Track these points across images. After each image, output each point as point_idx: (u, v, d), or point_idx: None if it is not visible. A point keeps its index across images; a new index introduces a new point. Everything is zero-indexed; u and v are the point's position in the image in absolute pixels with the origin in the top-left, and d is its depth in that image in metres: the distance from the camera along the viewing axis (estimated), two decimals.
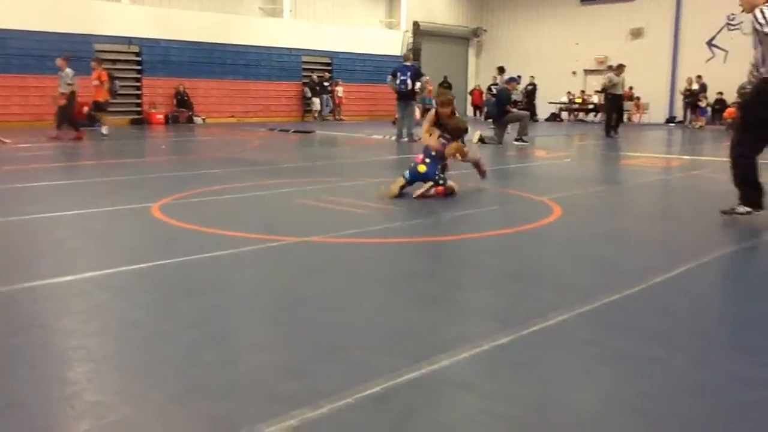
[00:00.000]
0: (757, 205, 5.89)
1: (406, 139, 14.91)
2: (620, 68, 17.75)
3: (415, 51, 27.00)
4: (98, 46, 19.62)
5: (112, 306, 3.50)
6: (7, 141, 12.78)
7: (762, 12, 5.56)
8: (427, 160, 7.13)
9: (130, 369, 2.71)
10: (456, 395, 2.49)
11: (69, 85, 13.87)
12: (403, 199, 6.87)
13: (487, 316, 3.41)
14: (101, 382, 2.55)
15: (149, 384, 2.55)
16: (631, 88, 24.57)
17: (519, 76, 21.41)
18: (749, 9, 5.75)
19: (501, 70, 21.87)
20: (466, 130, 7.69)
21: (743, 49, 23.25)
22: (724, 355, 2.91)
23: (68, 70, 13.96)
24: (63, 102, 13.93)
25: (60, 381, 2.56)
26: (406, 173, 7.10)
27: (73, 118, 14.34)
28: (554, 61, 28.70)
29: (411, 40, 27.57)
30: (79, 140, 13.80)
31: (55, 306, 3.51)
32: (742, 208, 5.94)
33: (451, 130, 7.39)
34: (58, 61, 14.07)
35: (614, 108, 17.84)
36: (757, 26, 5.58)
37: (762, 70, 5.62)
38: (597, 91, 26.78)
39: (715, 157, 13.09)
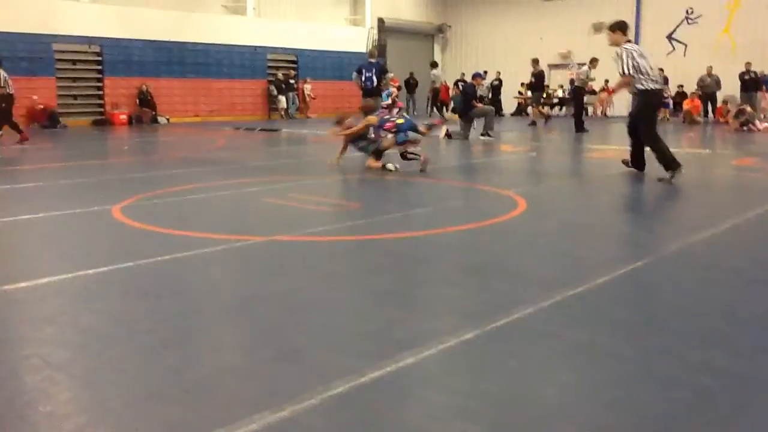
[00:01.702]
0: (678, 164, 7.94)
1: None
2: (594, 62, 18.01)
3: (381, 48, 26.96)
4: (57, 47, 19.21)
5: (68, 312, 3.40)
6: None
7: (622, 53, 7.96)
8: (399, 120, 9.09)
9: (85, 377, 2.63)
10: (421, 393, 2.46)
11: (1, 87, 13.28)
12: (368, 195, 6.83)
13: (452, 312, 3.39)
14: (54, 391, 2.47)
15: (105, 392, 2.48)
16: (606, 81, 24.95)
17: (485, 72, 21.53)
18: (614, 44, 8.24)
19: (434, 64, 22.04)
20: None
21: (702, 42, 23.76)
22: (684, 345, 2.93)
23: (1, 71, 13.42)
24: None
25: (12, 391, 2.47)
26: (401, 137, 8.90)
27: (10, 121, 13.65)
28: (519, 56, 28.80)
29: (376, 36, 27.51)
30: (24, 142, 13.25)
31: (9, 313, 3.40)
32: (672, 173, 7.87)
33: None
34: None
35: (582, 102, 18.12)
36: (618, 64, 8.00)
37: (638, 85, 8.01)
38: (560, 85, 27.06)
39: (677, 149, 13.28)
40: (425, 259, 4.53)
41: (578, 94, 18.05)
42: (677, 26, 25.21)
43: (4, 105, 13.35)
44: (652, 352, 2.84)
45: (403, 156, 9.15)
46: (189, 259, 4.37)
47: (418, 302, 3.62)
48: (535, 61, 20.62)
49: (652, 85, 8.10)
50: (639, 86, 8.01)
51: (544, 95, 26.50)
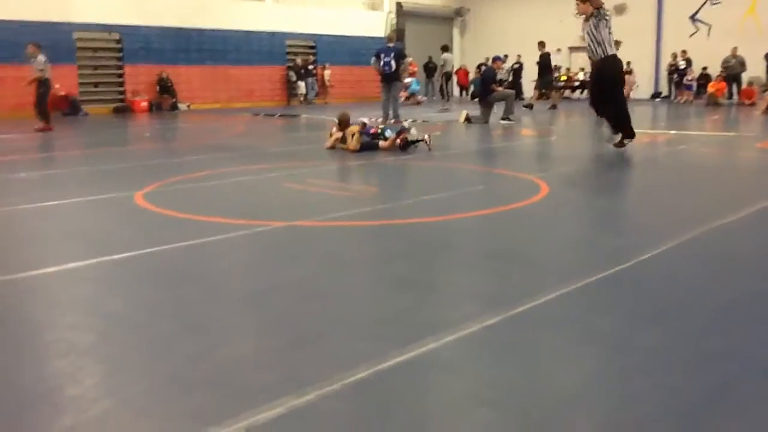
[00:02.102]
0: (634, 134, 8.81)
1: (392, 121, 14.82)
2: (617, 44, 17.52)
3: (399, 32, 26.80)
4: (78, 35, 19.34)
5: (92, 297, 3.45)
6: None
7: (609, 18, 8.49)
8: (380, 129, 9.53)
9: (110, 361, 2.67)
10: (442, 379, 2.47)
11: (40, 71, 13.48)
12: (387, 180, 6.83)
13: (473, 297, 3.38)
14: (80, 376, 2.51)
15: (129, 377, 2.51)
16: (629, 63, 24.61)
17: (505, 56, 21.31)
18: (584, 13, 8.59)
19: (445, 48, 21.80)
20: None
21: (726, 23, 23.32)
22: (703, 332, 2.90)
23: (40, 57, 13.61)
24: (33, 89, 13.53)
25: (38, 376, 2.52)
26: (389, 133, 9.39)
27: (44, 108, 13.87)
28: (538, 39, 28.57)
29: (394, 21, 27.36)
30: (47, 131, 13.41)
31: (34, 298, 3.46)
32: (627, 140, 8.74)
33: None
34: (29, 48, 13.67)
35: None
36: (592, 34, 8.47)
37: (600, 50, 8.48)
38: (581, 68, 26.72)
39: (701, 131, 13.12)
40: (445, 244, 4.52)
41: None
42: (701, 6, 24.75)
43: (42, 90, 13.52)
44: (673, 339, 2.81)
45: (404, 147, 9.33)
46: (210, 245, 4.41)
47: (439, 288, 3.62)
48: (541, 44, 20.33)
49: (615, 50, 8.77)
50: (611, 51, 8.53)
51: (560, 78, 26.27)
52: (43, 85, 13.54)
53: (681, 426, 2.15)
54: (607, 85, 8.68)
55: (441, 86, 22.62)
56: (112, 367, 2.62)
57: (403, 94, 21.94)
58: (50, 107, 16.71)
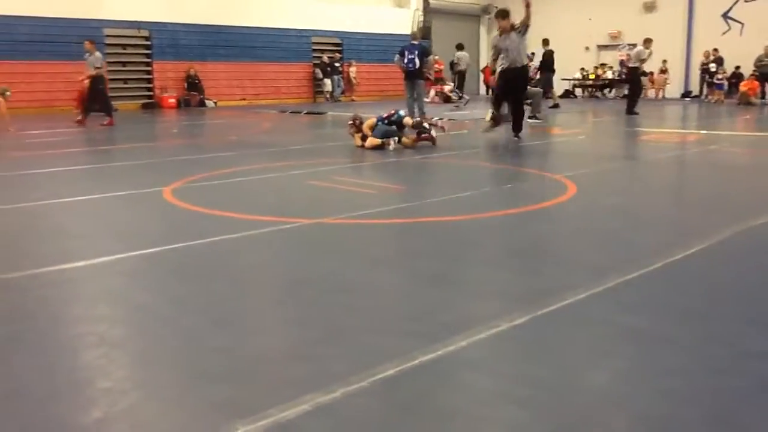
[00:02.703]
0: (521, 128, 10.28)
1: (418, 118, 14.76)
2: (648, 42, 17.13)
3: (426, 29, 26.71)
4: (107, 31, 19.57)
5: (122, 291, 3.48)
6: (10, 129, 12.73)
7: (514, 35, 9.86)
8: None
9: (140, 354, 2.68)
10: (471, 377, 2.44)
11: (97, 68, 13.84)
12: (413, 178, 6.79)
13: (502, 295, 3.35)
14: (111, 368, 2.53)
15: (159, 370, 2.52)
16: (664, 61, 24.25)
17: (533, 53, 21.14)
18: (504, 31, 9.92)
19: (459, 47, 21.54)
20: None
21: (760, 21, 22.89)
22: (740, 332, 2.84)
23: (97, 54, 13.94)
24: (87, 86, 13.96)
25: (70, 368, 2.54)
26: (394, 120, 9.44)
27: (106, 103, 14.25)
28: (567, 37, 28.28)
29: (421, 18, 27.28)
30: (110, 125, 13.77)
31: (64, 292, 3.49)
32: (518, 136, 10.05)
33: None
34: (86, 45, 14.02)
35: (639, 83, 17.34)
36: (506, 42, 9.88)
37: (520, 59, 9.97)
38: (610, 67, 26.43)
39: (733, 132, 12.90)
40: (473, 242, 4.49)
41: (635, 74, 17.03)
42: (733, 4, 24.33)
43: (100, 86, 13.84)
44: (708, 339, 2.76)
45: (419, 135, 9.67)
46: (238, 241, 4.42)
47: (467, 285, 3.59)
48: (545, 42, 19.96)
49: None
50: (525, 61, 10.29)
51: (590, 76, 25.97)
52: (100, 81, 13.85)
53: (716, 427, 2.10)
54: (520, 87, 10.22)
55: (454, 85, 22.41)
56: (141, 360, 2.63)
57: (435, 89, 21.89)
58: (81, 103, 17.16)
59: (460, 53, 21.48)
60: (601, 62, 27.73)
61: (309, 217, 5.05)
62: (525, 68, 10.17)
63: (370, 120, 9.62)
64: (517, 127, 10.42)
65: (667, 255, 3.93)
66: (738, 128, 13.95)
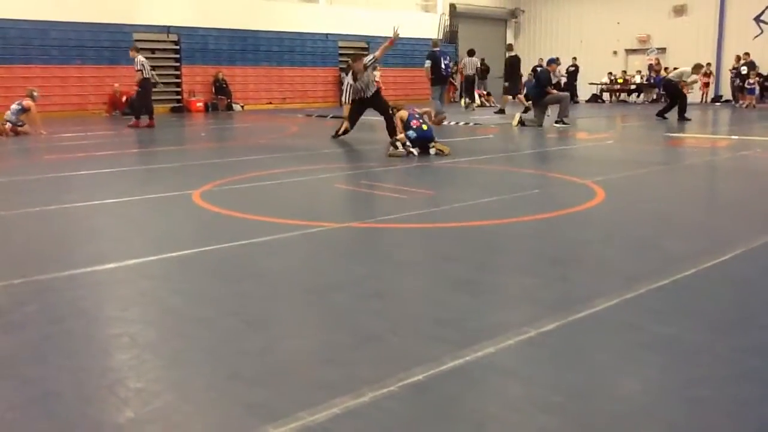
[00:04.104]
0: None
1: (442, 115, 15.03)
2: (698, 68, 16.67)
3: (452, 33, 26.69)
4: (138, 36, 19.84)
5: (153, 293, 3.52)
6: (43, 132, 12.97)
7: (368, 73, 11.06)
8: (424, 126, 9.32)
9: (170, 356, 2.72)
10: (500, 383, 2.44)
11: (138, 71, 14.21)
12: (441, 183, 6.77)
13: (531, 302, 3.33)
14: (143, 369, 2.56)
15: (191, 371, 2.55)
16: (708, 64, 23.77)
17: (557, 58, 20.96)
18: (359, 71, 10.90)
19: (470, 52, 21.37)
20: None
21: None
22: None
23: (139, 57, 14.30)
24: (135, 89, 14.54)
25: (103, 369, 2.58)
26: (411, 133, 9.17)
27: (148, 106, 14.74)
28: (594, 41, 28.09)
29: (448, 22, 27.26)
30: (151, 127, 14.23)
31: (97, 294, 3.55)
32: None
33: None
34: (130, 52, 14.63)
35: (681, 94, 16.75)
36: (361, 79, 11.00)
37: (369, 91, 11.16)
38: (638, 71, 26.14)
39: (764, 137, 12.68)
40: (501, 248, 4.47)
41: (676, 88, 16.13)
42: (766, 8, 23.97)
43: (140, 89, 14.23)
44: (743, 349, 2.72)
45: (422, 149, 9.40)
46: (267, 244, 4.45)
47: (496, 291, 3.57)
48: (508, 47, 19.81)
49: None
50: (373, 90, 11.29)
51: (618, 81, 25.69)
52: (143, 84, 14.37)
53: None
54: (378, 106, 11.16)
55: (460, 90, 22.19)
56: (173, 361, 2.66)
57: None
58: (112, 107, 17.59)
59: (467, 59, 21.37)
60: (628, 66, 27.45)
61: (338, 221, 5.07)
62: (377, 93, 11.30)
63: (402, 112, 9.62)
64: (391, 134, 10.74)
65: (699, 262, 3.88)
66: None
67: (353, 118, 11.56)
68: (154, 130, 14.20)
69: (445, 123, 14.87)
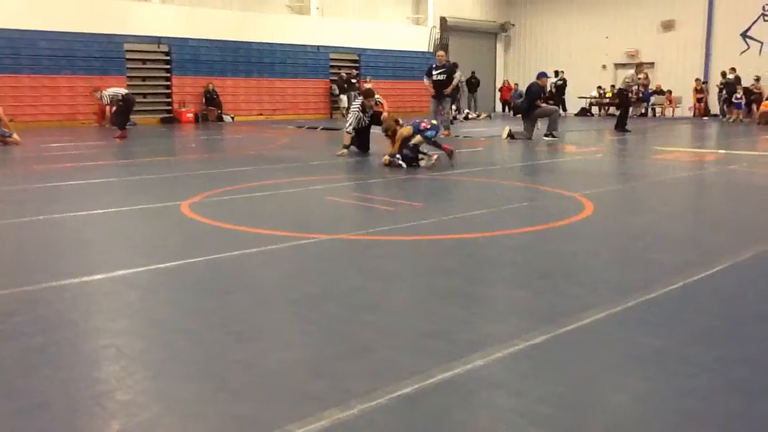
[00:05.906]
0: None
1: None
2: (640, 67, 18.07)
3: (443, 46, 26.78)
4: (128, 46, 19.83)
5: (140, 304, 3.50)
6: (19, 140, 12.85)
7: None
8: (433, 121, 9.68)
9: (159, 368, 2.69)
10: (489, 396, 2.43)
11: (107, 105, 14.55)
12: (431, 195, 6.77)
13: (521, 314, 3.33)
14: (131, 381, 2.54)
15: (178, 383, 2.53)
16: (698, 80, 24.06)
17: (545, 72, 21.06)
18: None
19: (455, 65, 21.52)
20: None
21: None
22: (762, 352, 2.80)
23: (98, 93, 14.55)
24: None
25: (90, 380, 2.56)
26: (429, 133, 9.29)
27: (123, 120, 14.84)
28: (584, 55, 28.32)
29: (438, 35, 27.42)
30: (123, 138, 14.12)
31: (84, 305, 3.52)
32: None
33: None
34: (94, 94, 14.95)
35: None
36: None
37: None
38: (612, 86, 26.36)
39: (751, 151, 12.80)
40: (491, 260, 4.48)
41: (623, 96, 17.43)
42: (753, 23, 24.27)
43: (122, 103, 14.37)
44: (731, 360, 2.73)
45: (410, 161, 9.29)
46: (256, 256, 4.44)
47: (485, 304, 3.58)
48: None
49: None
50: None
51: (607, 95, 25.88)
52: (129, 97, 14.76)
53: None
54: (376, 123, 11.15)
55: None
56: (160, 373, 2.64)
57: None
58: (102, 118, 17.62)
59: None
60: (617, 81, 27.67)
61: (328, 233, 5.07)
62: (371, 115, 11.43)
63: (406, 128, 9.33)
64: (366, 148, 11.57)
65: (688, 275, 3.90)
66: (758, 148, 13.84)
67: (363, 144, 11.58)
68: (135, 141, 14.16)
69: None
